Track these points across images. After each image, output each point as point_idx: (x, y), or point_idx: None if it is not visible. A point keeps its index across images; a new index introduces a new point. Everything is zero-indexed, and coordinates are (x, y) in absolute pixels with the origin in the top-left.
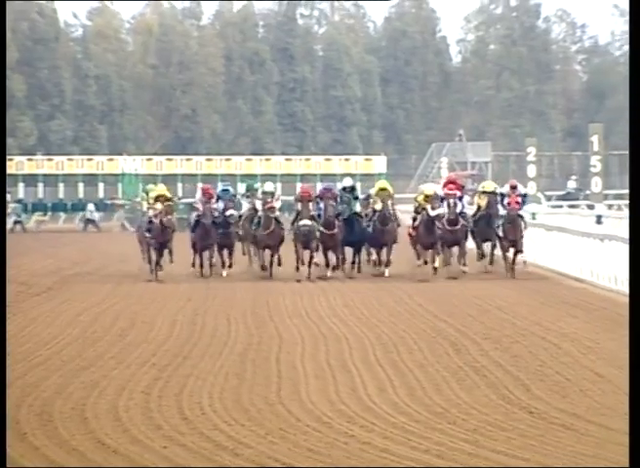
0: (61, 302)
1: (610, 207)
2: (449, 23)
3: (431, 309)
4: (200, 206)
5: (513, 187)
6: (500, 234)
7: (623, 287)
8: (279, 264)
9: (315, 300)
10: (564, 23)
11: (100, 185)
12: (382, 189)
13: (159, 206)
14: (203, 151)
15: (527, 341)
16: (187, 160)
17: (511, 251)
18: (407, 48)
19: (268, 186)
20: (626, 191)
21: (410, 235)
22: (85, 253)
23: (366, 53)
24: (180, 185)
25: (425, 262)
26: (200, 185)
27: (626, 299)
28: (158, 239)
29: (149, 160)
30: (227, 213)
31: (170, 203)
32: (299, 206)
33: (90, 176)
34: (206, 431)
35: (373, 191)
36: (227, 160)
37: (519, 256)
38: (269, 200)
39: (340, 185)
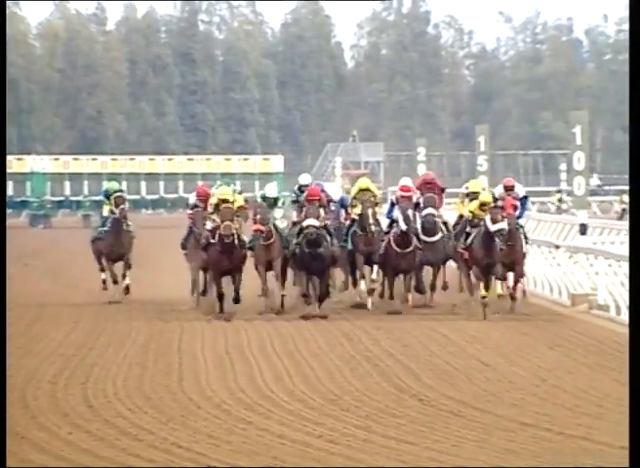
0: None
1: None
2: (343, 29)
3: (326, 303)
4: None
5: (509, 188)
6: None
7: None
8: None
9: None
10: (452, 30)
11: (10, 184)
12: (364, 189)
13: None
14: (108, 151)
15: (417, 332)
16: (93, 159)
17: (510, 277)
18: (303, 52)
19: (271, 190)
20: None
21: (461, 255)
22: None
23: (264, 57)
24: (85, 183)
25: (484, 296)
26: (199, 184)
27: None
28: (221, 263)
29: (57, 159)
30: None
31: (235, 211)
32: (304, 211)
33: None
34: (110, 418)
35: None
36: (132, 159)
37: (519, 284)
38: (259, 215)
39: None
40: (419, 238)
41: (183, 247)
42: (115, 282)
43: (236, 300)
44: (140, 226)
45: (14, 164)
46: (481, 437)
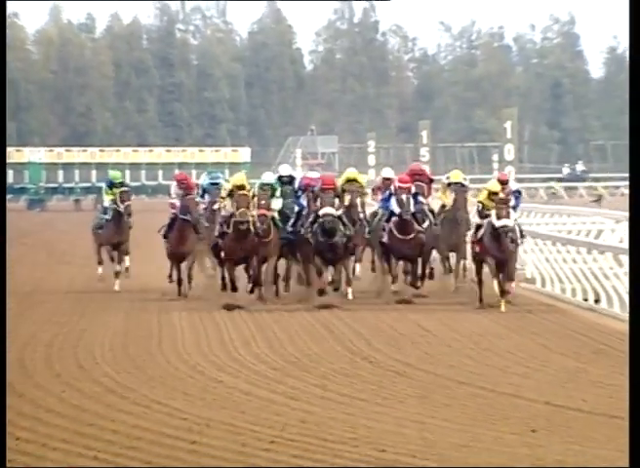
0: None
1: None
2: (303, 37)
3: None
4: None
5: (503, 182)
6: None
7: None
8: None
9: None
10: (398, 37)
11: (10, 172)
12: (351, 180)
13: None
14: (96, 143)
15: (369, 303)
16: (83, 151)
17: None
18: (267, 57)
19: (268, 177)
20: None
21: (473, 250)
22: None
23: (233, 61)
24: (77, 172)
25: (502, 293)
26: (176, 173)
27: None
28: (235, 251)
29: (51, 151)
30: (216, 206)
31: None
32: (318, 201)
33: None
34: (98, 378)
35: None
36: (117, 151)
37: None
38: (263, 200)
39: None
40: (419, 222)
41: (165, 236)
42: (117, 275)
43: (252, 290)
44: None
45: (13, 155)
46: (423, 394)
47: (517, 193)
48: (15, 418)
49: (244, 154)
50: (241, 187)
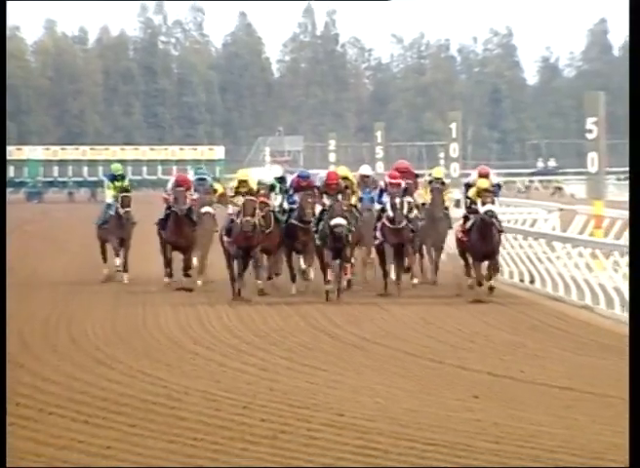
0: None
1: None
2: (271, 48)
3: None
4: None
5: (483, 175)
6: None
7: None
8: (277, 274)
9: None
10: (356, 48)
11: (11, 168)
12: (343, 178)
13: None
14: (88, 142)
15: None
16: (76, 149)
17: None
18: (240, 65)
19: (265, 176)
20: None
21: (459, 240)
22: None
23: (209, 69)
24: (70, 168)
25: (480, 284)
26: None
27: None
28: (241, 245)
29: (47, 149)
30: (203, 210)
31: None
32: (325, 200)
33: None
34: (90, 350)
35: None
36: (106, 149)
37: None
38: (262, 196)
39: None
40: (409, 220)
41: (162, 227)
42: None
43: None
44: None
45: (14, 152)
46: (378, 365)
47: (497, 187)
48: (15, 386)
49: (219, 152)
50: (244, 183)
